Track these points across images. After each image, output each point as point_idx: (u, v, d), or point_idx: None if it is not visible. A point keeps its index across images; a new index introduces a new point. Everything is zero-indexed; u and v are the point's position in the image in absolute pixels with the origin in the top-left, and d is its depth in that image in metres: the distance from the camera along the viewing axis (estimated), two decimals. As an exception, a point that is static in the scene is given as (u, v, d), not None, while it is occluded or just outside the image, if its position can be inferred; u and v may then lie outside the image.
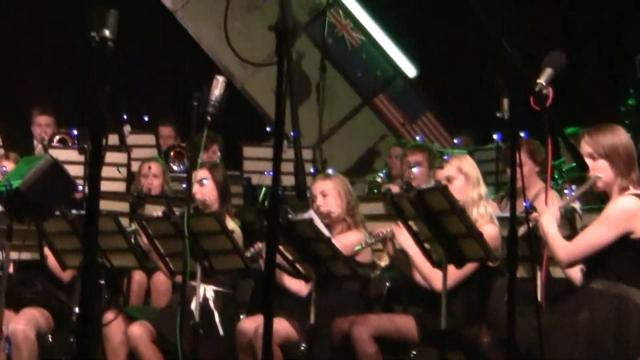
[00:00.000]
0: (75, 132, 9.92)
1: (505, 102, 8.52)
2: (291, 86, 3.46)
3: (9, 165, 8.09)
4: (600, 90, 11.41)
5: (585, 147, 5.28)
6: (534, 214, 5.41)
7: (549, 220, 5.31)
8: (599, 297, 5.18)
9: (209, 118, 6.07)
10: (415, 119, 13.40)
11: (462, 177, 6.16)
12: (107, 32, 3.46)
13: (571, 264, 5.35)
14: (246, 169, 10.37)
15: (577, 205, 5.59)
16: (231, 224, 6.78)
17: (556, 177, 8.32)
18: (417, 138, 11.54)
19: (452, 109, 12.76)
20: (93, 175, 3.58)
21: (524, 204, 6.12)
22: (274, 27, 3.47)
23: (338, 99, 13.06)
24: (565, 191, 7.06)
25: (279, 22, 3.46)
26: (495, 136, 9.10)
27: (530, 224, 5.23)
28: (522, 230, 5.11)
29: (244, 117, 12.54)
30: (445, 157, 6.33)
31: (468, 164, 6.24)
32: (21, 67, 12.37)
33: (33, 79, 12.40)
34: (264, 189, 9.86)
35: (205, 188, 7.01)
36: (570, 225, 5.77)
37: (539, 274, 5.63)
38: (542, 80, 4.60)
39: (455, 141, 11.05)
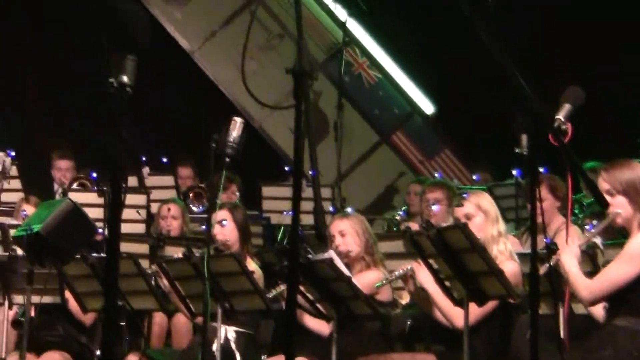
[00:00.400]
0: (94, 174, 9.95)
1: (524, 138, 8.50)
2: (309, 126, 3.45)
3: (29, 209, 8.12)
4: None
5: (603, 184, 5.24)
6: (556, 253, 5.37)
7: (569, 259, 5.27)
8: (622, 333, 5.13)
9: (227, 159, 6.08)
10: (434, 156, 13.38)
11: (481, 214, 6.13)
12: (125, 79, 3.46)
13: (594, 302, 5.29)
14: (265, 208, 10.38)
15: (598, 240, 5.56)
16: (252, 265, 6.78)
17: (577, 211, 8.29)
18: (436, 175, 11.52)
19: (470, 145, 12.73)
20: (113, 217, 3.58)
21: (545, 240, 6.08)
22: (291, 70, 3.46)
23: (356, 137, 13.07)
24: (586, 226, 7.03)
25: (296, 64, 3.46)
26: (514, 172, 9.07)
27: (552, 262, 5.21)
28: (543, 269, 5.08)
29: (263, 156, 12.56)
30: (465, 195, 6.31)
31: (486, 201, 6.22)
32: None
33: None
34: (282, 228, 9.85)
35: (225, 229, 7.00)
36: (591, 261, 5.73)
37: (561, 311, 5.59)
38: (560, 116, 4.59)
39: (474, 177, 11.02)
